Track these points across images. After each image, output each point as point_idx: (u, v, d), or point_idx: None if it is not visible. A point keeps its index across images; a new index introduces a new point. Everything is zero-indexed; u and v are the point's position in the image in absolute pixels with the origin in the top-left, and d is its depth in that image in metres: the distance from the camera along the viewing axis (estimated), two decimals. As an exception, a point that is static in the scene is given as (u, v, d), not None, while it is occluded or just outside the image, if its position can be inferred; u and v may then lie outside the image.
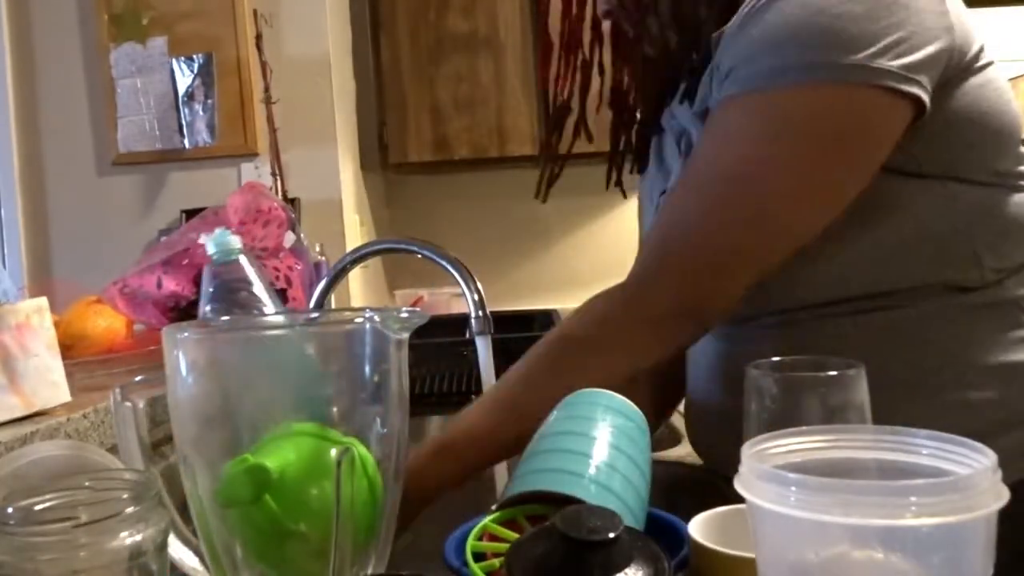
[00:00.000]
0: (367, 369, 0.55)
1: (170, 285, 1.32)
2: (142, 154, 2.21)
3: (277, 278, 1.46)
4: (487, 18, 2.40)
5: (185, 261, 1.33)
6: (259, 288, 0.84)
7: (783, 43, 0.72)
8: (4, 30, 2.22)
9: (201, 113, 2.18)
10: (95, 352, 1.21)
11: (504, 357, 1.17)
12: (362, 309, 0.57)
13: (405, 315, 0.56)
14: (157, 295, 1.30)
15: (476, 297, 0.96)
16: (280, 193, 2.09)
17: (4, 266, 2.12)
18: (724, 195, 0.75)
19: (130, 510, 0.49)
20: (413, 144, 2.42)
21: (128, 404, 0.59)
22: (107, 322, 1.26)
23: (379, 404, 0.55)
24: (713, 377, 0.91)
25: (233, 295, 0.82)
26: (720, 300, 0.76)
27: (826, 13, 0.71)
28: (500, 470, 0.93)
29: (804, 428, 0.45)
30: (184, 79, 2.18)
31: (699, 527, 0.59)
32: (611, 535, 0.46)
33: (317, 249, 1.89)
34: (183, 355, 0.54)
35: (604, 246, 2.78)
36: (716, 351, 0.89)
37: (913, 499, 0.35)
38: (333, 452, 0.50)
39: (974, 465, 0.39)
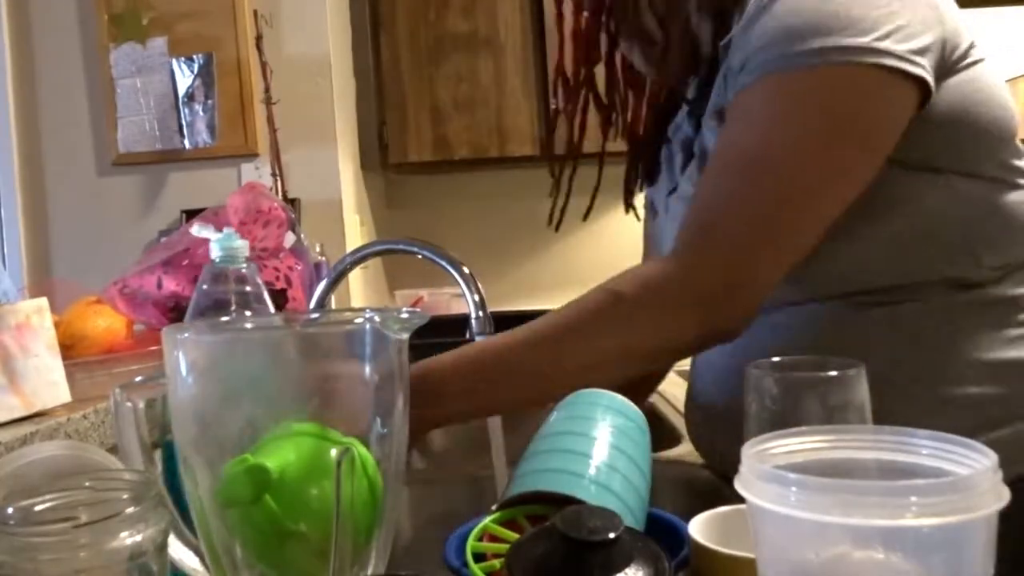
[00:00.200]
0: (367, 369, 0.55)
1: (170, 285, 1.32)
2: (142, 154, 2.21)
3: (277, 278, 1.46)
4: (487, 18, 2.40)
5: (185, 261, 1.33)
6: (259, 296, 0.83)
7: (793, 29, 0.74)
8: (4, 30, 2.22)
9: (201, 113, 2.18)
10: (95, 352, 1.21)
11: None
12: (362, 309, 0.57)
13: (405, 315, 0.56)
14: (157, 295, 1.30)
15: (476, 297, 0.96)
16: (280, 193, 2.09)
17: (4, 266, 2.12)
18: (752, 176, 0.76)
19: (130, 510, 0.49)
20: (413, 144, 2.43)
21: (128, 404, 0.59)
22: (107, 322, 1.26)
23: (379, 404, 0.55)
24: (715, 374, 0.91)
25: (229, 302, 0.82)
26: (763, 278, 0.76)
27: (830, 1, 0.74)
28: (500, 469, 0.93)
29: (804, 428, 0.45)
30: (184, 79, 2.18)
31: (699, 527, 0.59)
32: (611, 535, 0.46)
33: (317, 249, 1.89)
34: (183, 355, 0.54)
35: (604, 246, 2.78)
36: (718, 348, 0.89)
37: (913, 499, 0.35)
38: (333, 452, 0.50)
39: (974, 465, 0.39)
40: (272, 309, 0.84)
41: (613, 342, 0.75)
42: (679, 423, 1.33)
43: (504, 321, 1.31)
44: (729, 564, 0.54)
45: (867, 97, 0.74)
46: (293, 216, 1.53)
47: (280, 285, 1.46)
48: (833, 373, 0.54)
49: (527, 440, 0.93)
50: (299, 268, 1.49)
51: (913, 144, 0.76)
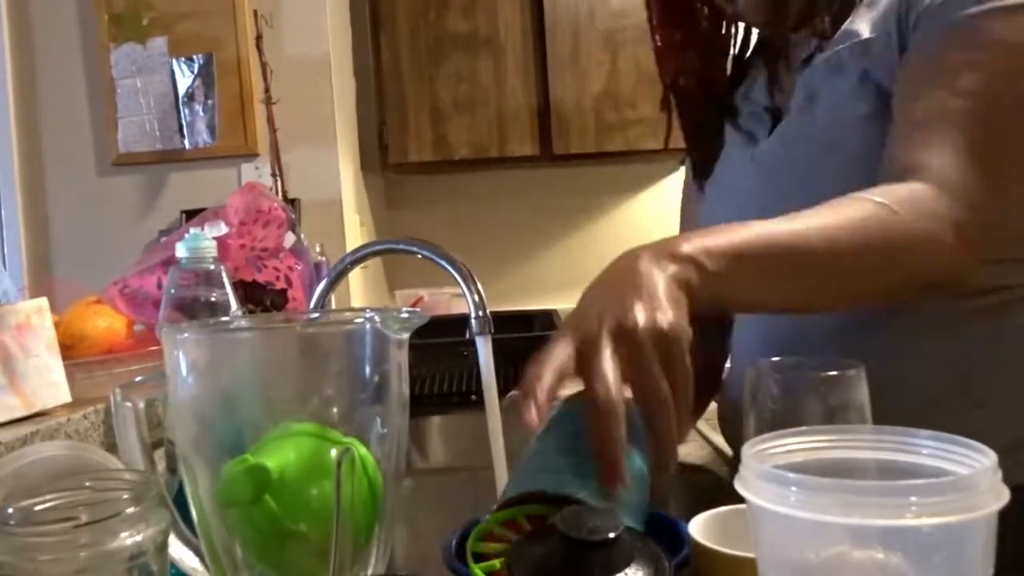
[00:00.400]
0: (367, 369, 0.55)
1: (170, 285, 1.31)
2: (142, 154, 2.22)
3: (277, 278, 1.46)
4: (487, 18, 2.40)
5: (185, 261, 1.33)
6: (225, 296, 0.84)
7: None
8: (4, 30, 2.22)
9: (201, 113, 2.18)
10: (95, 352, 1.21)
11: (504, 357, 1.17)
12: (362, 309, 0.57)
13: (405, 315, 0.56)
14: (157, 295, 1.30)
15: (476, 297, 0.96)
16: (280, 193, 2.09)
17: (4, 266, 2.12)
18: (985, 126, 0.73)
19: (130, 510, 0.49)
20: (413, 144, 2.43)
21: (128, 404, 0.59)
22: (107, 322, 1.26)
23: (379, 404, 0.55)
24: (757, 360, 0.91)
25: (198, 301, 0.82)
26: (987, 228, 0.72)
27: None
28: (500, 469, 0.92)
29: (804, 428, 0.45)
30: (184, 79, 2.18)
31: (699, 527, 0.59)
32: (611, 535, 0.46)
33: (317, 249, 1.89)
34: (183, 355, 0.54)
35: (604, 246, 2.78)
36: (762, 334, 0.89)
37: (913, 499, 0.35)
38: (333, 452, 0.50)
39: (974, 465, 0.39)
40: (235, 305, 0.85)
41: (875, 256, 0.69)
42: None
43: (504, 321, 1.31)
44: (729, 564, 0.54)
45: None
46: (293, 216, 1.53)
47: (280, 285, 1.46)
48: (833, 373, 0.54)
49: (527, 440, 0.93)
50: (299, 268, 1.49)
51: None
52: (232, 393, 0.55)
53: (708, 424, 1.16)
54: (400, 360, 0.57)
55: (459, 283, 0.97)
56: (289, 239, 1.49)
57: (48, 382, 0.87)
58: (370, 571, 0.56)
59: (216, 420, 0.54)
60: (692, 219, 1.09)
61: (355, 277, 2.24)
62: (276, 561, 0.53)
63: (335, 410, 0.54)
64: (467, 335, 1.03)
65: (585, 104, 2.40)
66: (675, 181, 2.49)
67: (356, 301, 2.26)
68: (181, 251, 0.83)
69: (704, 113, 1.00)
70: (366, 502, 0.53)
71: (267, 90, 2.09)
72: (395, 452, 0.57)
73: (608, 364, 0.53)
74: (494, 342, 0.95)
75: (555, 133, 2.42)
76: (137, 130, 2.21)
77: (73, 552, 0.47)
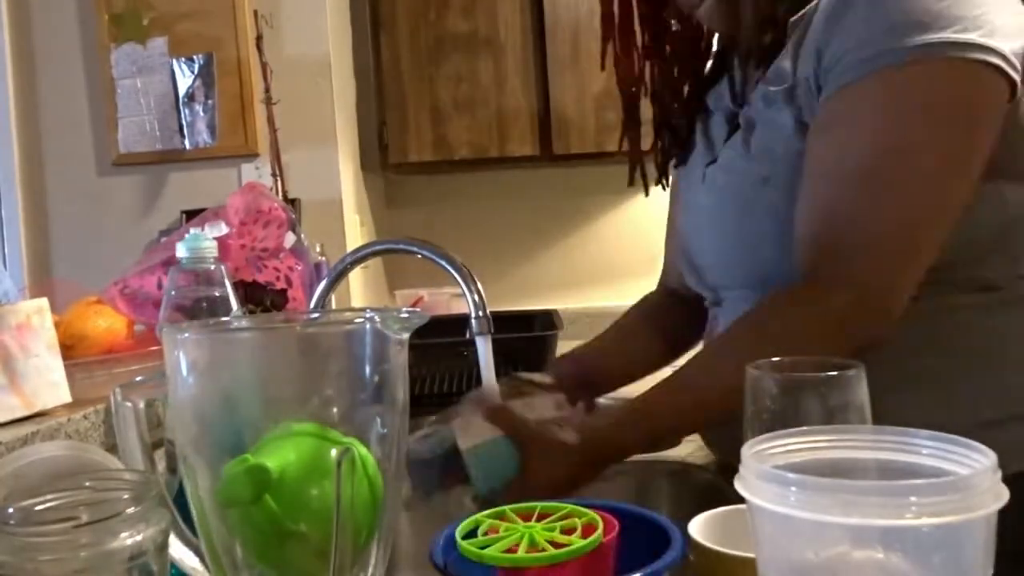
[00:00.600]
0: (367, 369, 0.55)
1: (170, 285, 1.31)
2: (142, 154, 2.22)
3: (277, 278, 1.46)
4: (487, 18, 2.40)
5: (185, 261, 1.33)
6: (225, 296, 0.84)
7: (895, 25, 0.74)
8: (4, 30, 2.22)
9: (201, 113, 2.18)
10: (95, 352, 1.21)
11: (504, 357, 1.17)
12: (362, 309, 0.57)
13: (405, 315, 0.56)
14: (157, 295, 1.30)
15: (476, 297, 0.96)
16: (280, 193, 2.09)
17: (4, 266, 2.12)
18: (877, 181, 0.75)
19: (131, 510, 0.49)
20: (413, 144, 2.43)
21: (128, 404, 0.59)
22: (107, 322, 1.26)
23: (379, 404, 0.55)
24: None
25: (198, 302, 0.83)
26: (904, 288, 0.76)
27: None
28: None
29: (804, 428, 0.45)
30: (184, 79, 2.18)
31: (699, 527, 0.59)
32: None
33: (317, 249, 1.89)
34: (183, 355, 0.54)
35: (604, 246, 2.78)
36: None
37: (913, 499, 0.35)
38: (333, 452, 0.50)
39: (974, 465, 0.39)
40: (235, 306, 0.85)
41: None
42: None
43: (504, 321, 1.31)
44: (729, 564, 0.54)
45: (976, 90, 0.74)
46: (293, 216, 1.53)
47: (280, 285, 1.46)
48: (833, 373, 0.54)
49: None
50: (299, 268, 1.49)
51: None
52: (232, 393, 0.55)
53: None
54: (400, 360, 0.57)
55: (459, 283, 0.97)
56: (289, 239, 1.49)
57: (48, 382, 0.87)
58: (370, 571, 0.56)
59: (216, 420, 0.54)
60: (668, 234, 1.12)
61: (355, 277, 2.24)
62: (276, 561, 0.53)
63: (335, 410, 0.54)
64: (467, 335, 1.03)
65: (585, 104, 2.41)
66: (675, 181, 2.48)
67: (356, 301, 2.26)
68: (181, 251, 0.84)
69: (670, 116, 1.01)
70: (366, 502, 0.53)
71: (267, 90, 2.09)
72: (395, 452, 0.57)
73: None
74: (494, 342, 0.95)
75: (555, 133, 2.42)
76: (137, 130, 2.21)
77: (73, 552, 0.47)
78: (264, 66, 2.11)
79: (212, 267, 0.84)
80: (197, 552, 0.58)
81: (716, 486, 1.00)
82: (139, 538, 0.49)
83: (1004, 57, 0.72)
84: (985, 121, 0.75)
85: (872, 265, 0.75)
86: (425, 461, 0.83)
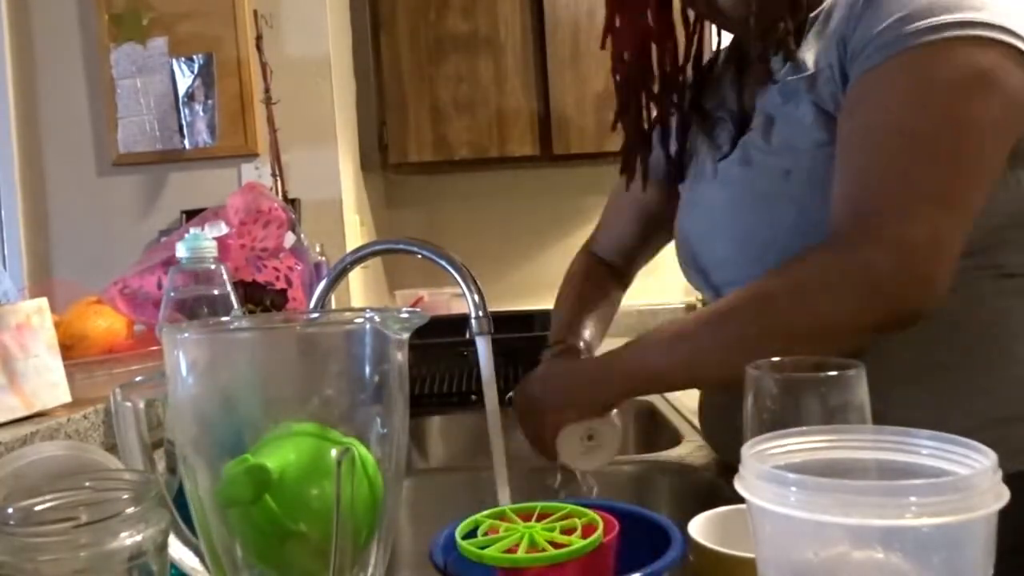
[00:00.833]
0: (367, 369, 0.55)
1: (170, 285, 1.31)
2: (142, 154, 2.21)
3: (277, 278, 1.46)
4: (487, 18, 2.40)
5: (185, 261, 1.33)
6: (225, 296, 0.84)
7: (920, 9, 0.75)
8: (4, 30, 2.22)
9: (201, 113, 2.18)
10: (95, 352, 1.21)
11: (504, 357, 1.17)
12: (362, 309, 0.57)
13: (405, 315, 0.56)
14: (157, 295, 1.30)
15: (476, 297, 0.96)
16: (280, 193, 2.09)
17: (4, 266, 2.12)
18: (911, 145, 0.75)
19: (130, 510, 0.49)
20: (413, 144, 2.43)
21: (128, 404, 0.59)
22: (107, 322, 1.26)
23: (379, 404, 0.55)
24: None
25: (198, 302, 0.83)
26: (947, 253, 0.74)
27: None
28: (500, 470, 0.93)
29: (804, 428, 0.45)
30: (184, 79, 2.18)
31: (699, 527, 0.59)
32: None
33: (317, 249, 1.89)
34: (183, 355, 0.54)
35: (604, 246, 2.78)
36: None
37: (913, 499, 0.35)
38: (333, 452, 0.50)
39: (974, 465, 0.39)
40: (235, 305, 0.85)
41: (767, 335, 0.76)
42: (679, 424, 1.33)
43: (504, 321, 1.31)
44: (729, 564, 0.54)
45: (1001, 68, 0.74)
46: (293, 216, 1.53)
47: (280, 285, 1.46)
48: (833, 373, 0.54)
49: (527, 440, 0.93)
50: (299, 268, 1.49)
51: None
52: (232, 393, 0.55)
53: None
54: (400, 360, 0.57)
55: (459, 283, 0.97)
56: (289, 239, 1.49)
57: (48, 382, 0.87)
58: (370, 571, 0.56)
59: (216, 420, 0.54)
60: (618, 210, 1.18)
61: (355, 277, 2.24)
62: (276, 561, 0.53)
63: (335, 410, 0.54)
64: (467, 335, 1.03)
65: (585, 104, 2.40)
66: (675, 181, 2.48)
67: (356, 301, 2.26)
68: (181, 251, 0.84)
69: (659, 116, 1.02)
70: (366, 502, 0.53)
71: (267, 90, 2.09)
72: (395, 452, 0.57)
73: None
74: (494, 342, 0.95)
75: (555, 133, 2.42)
76: (137, 130, 2.21)
77: (73, 552, 0.47)
78: (264, 66, 2.11)
79: (212, 267, 0.84)
80: (197, 552, 0.58)
81: (716, 486, 1.00)
82: (139, 538, 0.49)
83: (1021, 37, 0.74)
84: (1010, 97, 0.75)
85: (914, 224, 0.73)
86: None
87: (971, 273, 0.80)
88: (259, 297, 1.45)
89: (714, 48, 1.08)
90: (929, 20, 0.74)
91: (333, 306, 1.51)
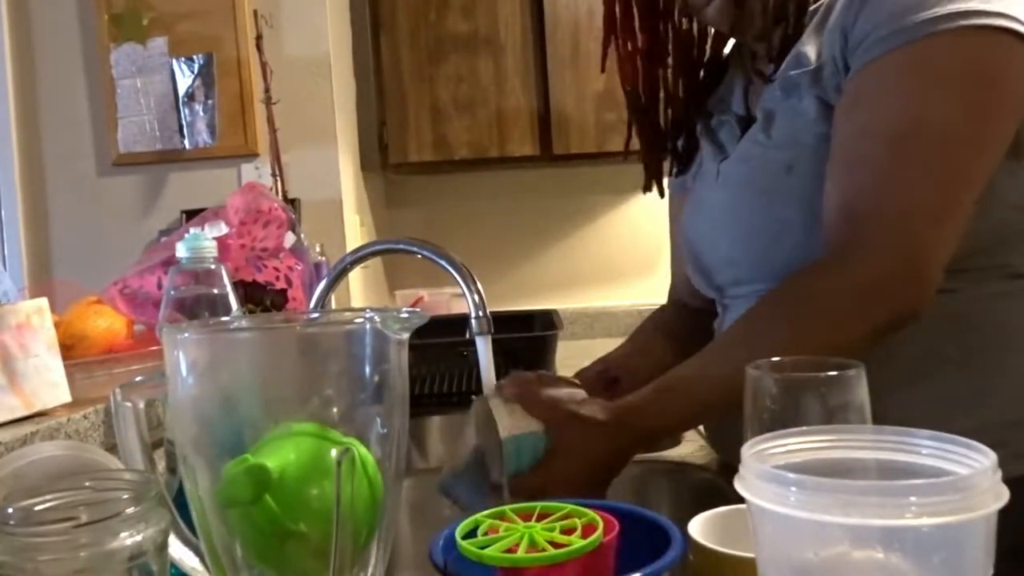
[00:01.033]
0: (367, 369, 0.55)
1: (170, 285, 1.31)
2: (142, 154, 2.21)
3: (277, 278, 1.46)
4: (487, 18, 2.40)
5: (185, 261, 1.33)
6: (225, 296, 0.84)
7: (920, 0, 0.74)
8: (4, 30, 2.22)
9: (201, 113, 2.18)
10: (95, 352, 1.21)
11: (504, 357, 1.17)
12: (362, 309, 0.57)
13: (405, 315, 0.56)
14: (157, 295, 1.30)
15: (476, 297, 0.96)
16: (280, 193, 2.09)
17: (4, 266, 2.12)
18: (904, 148, 0.75)
19: (130, 510, 0.49)
20: (413, 144, 2.42)
21: (128, 404, 0.59)
22: (107, 322, 1.26)
23: (379, 404, 0.55)
24: None
25: (198, 302, 0.83)
26: (940, 256, 0.75)
27: None
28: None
29: (804, 428, 0.45)
30: (184, 79, 2.18)
31: (699, 527, 0.59)
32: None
33: (317, 249, 1.90)
34: (183, 355, 0.54)
35: (604, 246, 2.78)
36: None
37: (913, 499, 0.35)
38: (333, 452, 0.50)
39: (974, 465, 0.39)
40: (235, 305, 0.85)
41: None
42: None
43: (504, 321, 1.31)
44: (729, 564, 0.54)
45: (1000, 59, 0.74)
46: (293, 216, 1.53)
47: (280, 285, 1.46)
48: (833, 373, 0.54)
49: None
50: (299, 268, 1.49)
51: None
52: (232, 393, 0.55)
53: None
54: (400, 360, 0.57)
55: (459, 283, 0.97)
56: (289, 239, 1.49)
57: (48, 382, 0.87)
58: (370, 571, 0.56)
59: (216, 420, 0.54)
60: (674, 254, 1.12)
61: (355, 277, 2.24)
62: (276, 561, 0.53)
63: (335, 410, 0.54)
64: (467, 335, 1.03)
65: (585, 104, 2.40)
66: (675, 181, 2.48)
67: (356, 301, 2.26)
68: (181, 251, 0.84)
69: (668, 119, 1.02)
70: (366, 502, 0.53)
71: (267, 90, 2.09)
72: (395, 452, 0.57)
73: None
74: (494, 342, 0.95)
75: (555, 133, 2.42)
76: (137, 130, 2.21)
77: (73, 552, 0.47)
78: (264, 66, 2.11)
79: (212, 267, 0.84)
80: (197, 552, 0.58)
81: (716, 486, 1.00)
82: (139, 538, 0.49)
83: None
84: (1011, 86, 0.75)
85: (905, 229, 0.74)
86: (455, 474, 0.82)
87: (978, 273, 0.79)
88: (259, 297, 1.45)
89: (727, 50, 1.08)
90: (930, 11, 0.74)
91: (333, 306, 1.51)
